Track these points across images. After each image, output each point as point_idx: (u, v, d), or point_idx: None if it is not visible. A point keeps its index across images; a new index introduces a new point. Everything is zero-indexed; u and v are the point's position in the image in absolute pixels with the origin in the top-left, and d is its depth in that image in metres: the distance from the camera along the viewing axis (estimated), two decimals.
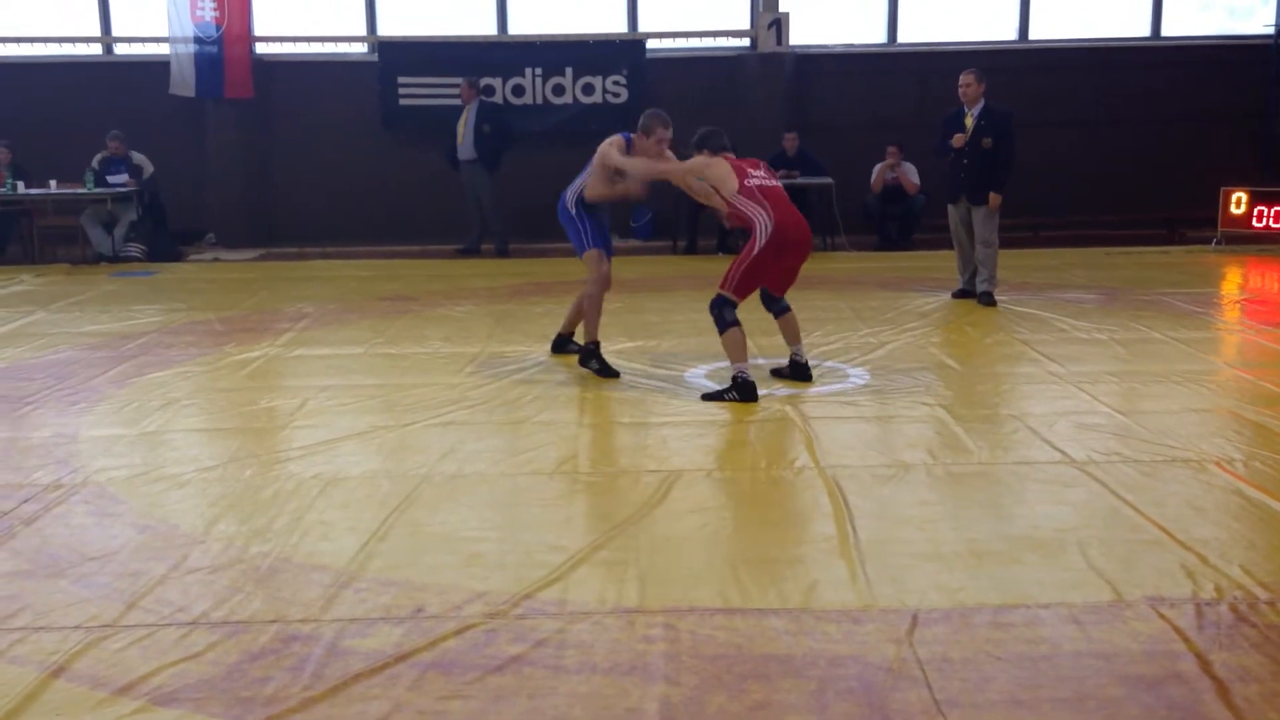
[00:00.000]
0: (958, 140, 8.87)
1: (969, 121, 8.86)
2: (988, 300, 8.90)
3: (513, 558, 3.92)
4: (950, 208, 9.21)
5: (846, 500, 4.41)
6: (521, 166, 14.08)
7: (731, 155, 6.30)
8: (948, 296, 9.20)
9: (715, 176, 6.16)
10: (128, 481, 4.80)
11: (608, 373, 6.55)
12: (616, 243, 13.60)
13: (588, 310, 6.73)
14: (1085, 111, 13.98)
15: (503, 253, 12.85)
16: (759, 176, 6.17)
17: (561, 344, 7.21)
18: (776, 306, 6.46)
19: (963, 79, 8.88)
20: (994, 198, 8.82)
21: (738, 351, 6.04)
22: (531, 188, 14.09)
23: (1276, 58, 14.06)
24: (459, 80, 13.80)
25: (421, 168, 13.98)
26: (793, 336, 6.46)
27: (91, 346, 7.73)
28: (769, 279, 6.26)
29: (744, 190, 6.07)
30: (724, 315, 6.06)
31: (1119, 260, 11.44)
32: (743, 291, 6.13)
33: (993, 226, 8.94)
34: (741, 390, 5.95)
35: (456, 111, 13.09)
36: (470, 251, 12.93)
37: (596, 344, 6.66)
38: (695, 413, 5.81)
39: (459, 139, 12.78)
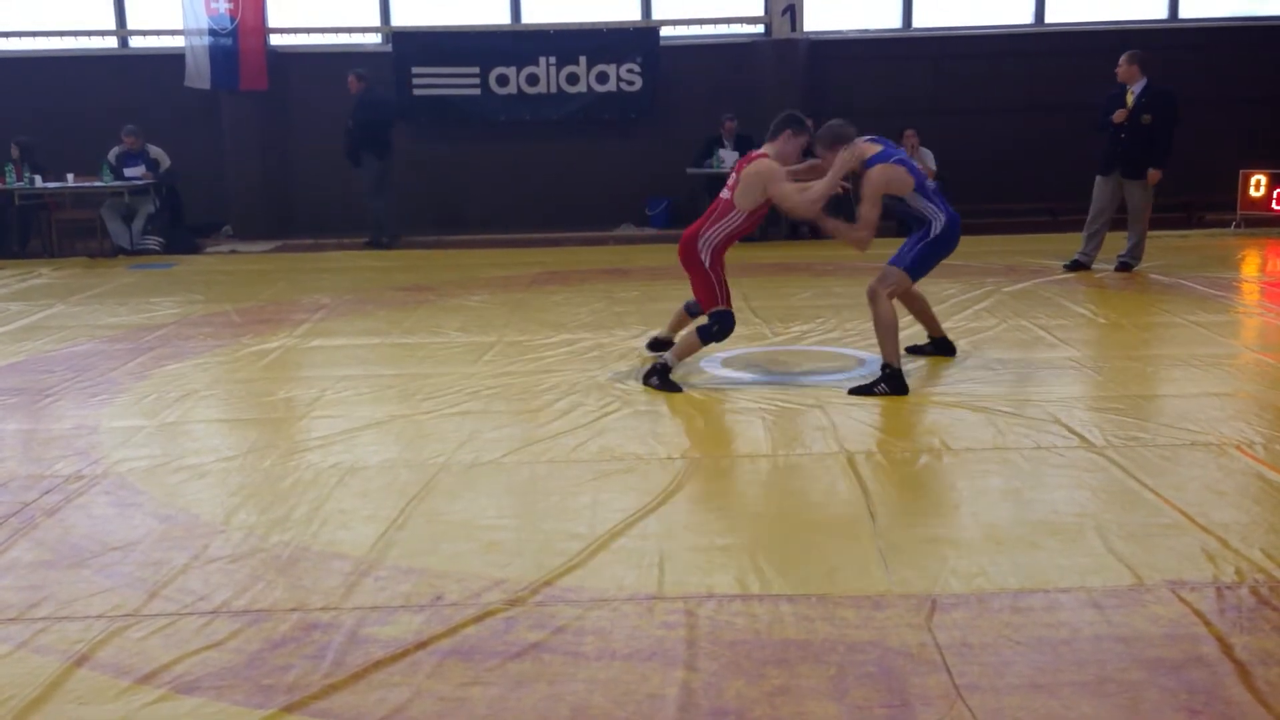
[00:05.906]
0: (1119, 115, 9.28)
1: (1129, 99, 9.30)
2: (1125, 269, 9.46)
3: (531, 545, 3.93)
4: (1099, 179, 9.62)
5: (865, 485, 4.41)
6: (538, 156, 14.10)
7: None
8: (960, 283, 9.16)
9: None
10: (148, 472, 4.82)
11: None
12: (632, 231, 13.75)
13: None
14: (1102, 95, 13.86)
15: (377, 244, 12.72)
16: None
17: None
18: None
19: (1120, 61, 9.35)
20: (1153, 173, 9.27)
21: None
22: (546, 177, 14.16)
23: None
24: (474, 70, 13.79)
25: (435, 158, 14.01)
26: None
27: (110, 339, 7.77)
28: None
29: None
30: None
31: None
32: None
33: (1147, 200, 9.40)
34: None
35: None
36: (374, 244, 12.81)
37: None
38: (712, 399, 5.81)
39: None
